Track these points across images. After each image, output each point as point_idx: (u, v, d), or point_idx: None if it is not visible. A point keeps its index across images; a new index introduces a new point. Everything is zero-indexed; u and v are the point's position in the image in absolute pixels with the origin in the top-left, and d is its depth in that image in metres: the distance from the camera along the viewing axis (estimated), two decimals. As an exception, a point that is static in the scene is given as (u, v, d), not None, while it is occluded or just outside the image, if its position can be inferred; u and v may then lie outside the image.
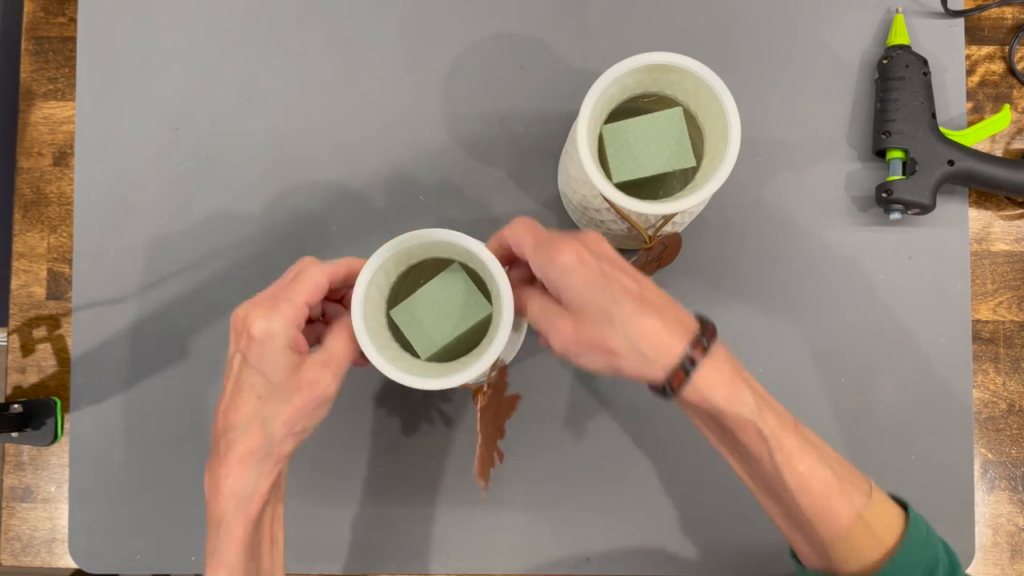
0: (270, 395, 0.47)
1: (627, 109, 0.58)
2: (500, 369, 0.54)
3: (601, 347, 0.45)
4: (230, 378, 0.49)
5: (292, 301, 0.48)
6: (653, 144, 0.56)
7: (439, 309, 0.56)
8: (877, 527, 0.47)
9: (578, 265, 0.46)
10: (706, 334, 0.46)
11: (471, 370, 0.50)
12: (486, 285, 0.56)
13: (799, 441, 0.47)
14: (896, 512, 0.48)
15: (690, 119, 0.57)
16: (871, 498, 0.48)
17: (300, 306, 0.48)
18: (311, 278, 0.49)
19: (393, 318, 0.56)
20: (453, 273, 0.57)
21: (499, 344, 0.51)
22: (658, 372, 0.45)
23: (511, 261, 0.53)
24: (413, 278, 0.59)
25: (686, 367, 0.45)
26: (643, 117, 0.57)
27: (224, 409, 0.49)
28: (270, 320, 0.47)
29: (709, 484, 0.65)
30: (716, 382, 0.45)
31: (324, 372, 0.48)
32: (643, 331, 0.45)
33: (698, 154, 0.57)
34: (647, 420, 0.66)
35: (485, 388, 0.53)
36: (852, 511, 0.47)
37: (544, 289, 0.49)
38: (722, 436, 0.49)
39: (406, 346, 0.57)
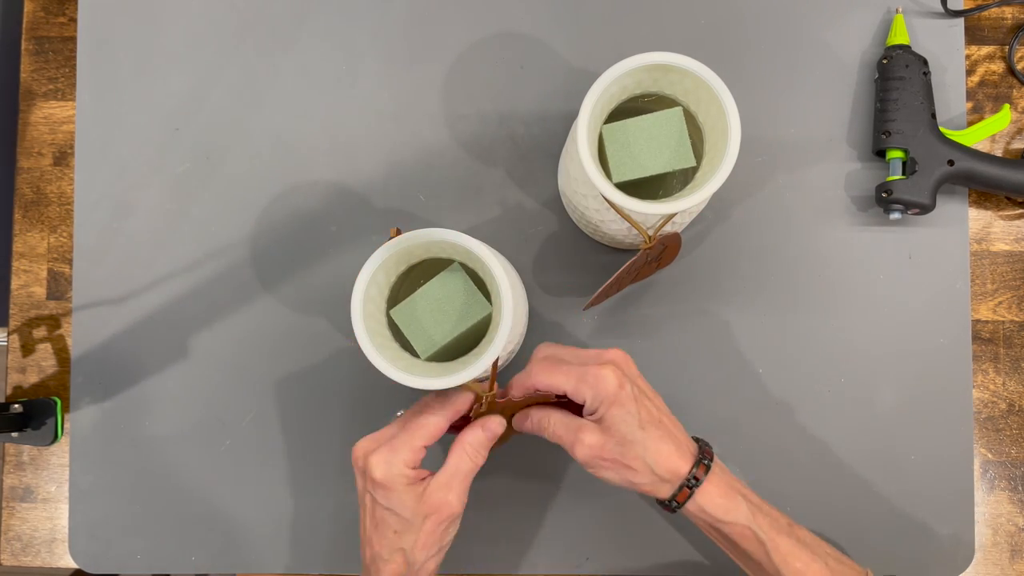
0: (404, 528, 0.51)
1: (627, 109, 0.58)
2: (493, 366, 0.54)
3: (622, 464, 0.52)
4: (366, 514, 0.53)
5: (412, 445, 0.52)
6: (653, 144, 0.56)
7: (439, 308, 0.56)
8: None
9: (618, 391, 0.52)
10: (705, 456, 0.53)
11: (471, 369, 0.50)
12: (486, 285, 0.56)
13: (793, 541, 0.53)
14: None
15: (690, 119, 0.57)
16: None
17: (418, 449, 0.52)
18: (432, 424, 0.52)
19: (393, 318, 0.57)
20: (453, 273, 0.57)
21: (499, 343, 0.51)
22: (667, 490, 0.52)
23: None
24: (414, 278, 0.59)
25: (690, 485, 0.52)
26: (643, 117, 0.57)
27: (368, 540, 0.53)
28: (391, 465, 0.51)
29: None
30: (714, 496, 0.52)
31: (448, 494, 0.51)
32: (660, 454, 0.52)
33: (698, 154, 0.57)
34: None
35: (484, 398, 0.54)
36: None
37: (555, 406, 0.55)
38: (724, 542, 0.55)
39: (406, 346, 0.57)
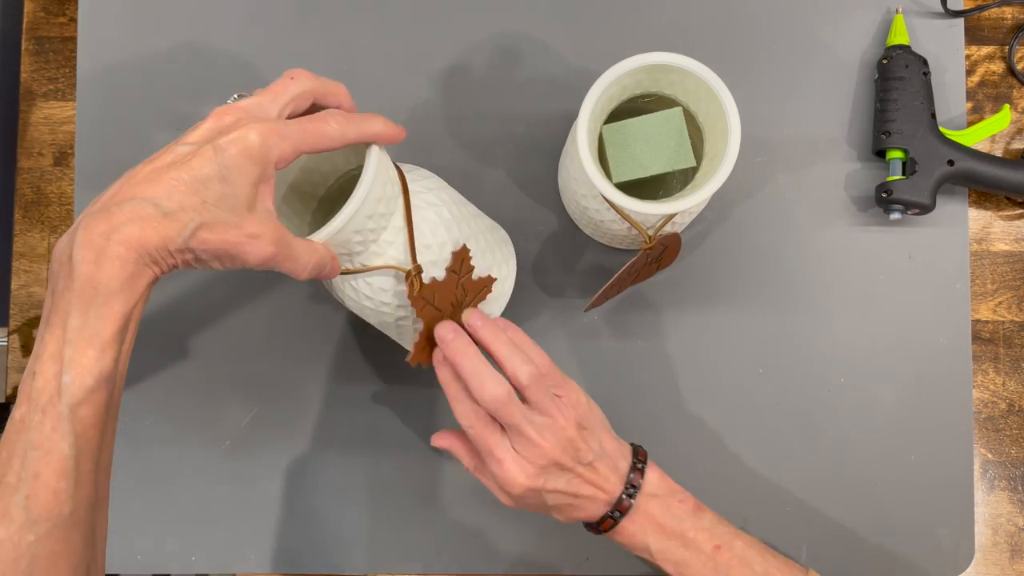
0: (216, 205, 0.43)
1: (627, 109, 0.58)
2: (456, 253, 0.53)
3: (545, 508, 0.53)
4: (182, 152, 0.44)
5: (294, 145, 0.45)
6: (653, 144, 0.57)
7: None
8: None
9: (525, 496, 0.51)
10: (620, 505, 0.53)
11: (322, 230, 0.48)
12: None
13: (705, 572, 0.53)
14: None
15: (690, 119, 0.57)
16: None
17: (296, 154, 0.45)
18: (332, 135, 0.46)
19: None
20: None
21: (351, 205, 0.48)
22: (590, 518, 0.54)
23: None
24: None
25: (599, 531, 0.54)
26: (643, 117, 0.57)
27: (145, 174, 0.43)
28: (274, 148, 0.44)
29: (708, 484, 0.65)
30: (628, 532, 0.53)
31: (267, 235, 0.44)
32: (572, 517, 0.54)
33: (698, 154, 0.57)
34: (646, 420, 0.66)
35: (414, 271, 0.51)
36: None
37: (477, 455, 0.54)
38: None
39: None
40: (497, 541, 0.66)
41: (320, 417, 0.67)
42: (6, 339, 0.70)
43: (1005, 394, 0.66)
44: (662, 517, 0.53)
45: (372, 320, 0.56)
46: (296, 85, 0.48)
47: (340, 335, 0.67)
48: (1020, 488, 0.66)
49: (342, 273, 0.52)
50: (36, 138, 0.70)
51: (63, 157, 0.70)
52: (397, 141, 0.50)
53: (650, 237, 0.56)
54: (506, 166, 0.67)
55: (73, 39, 0.70)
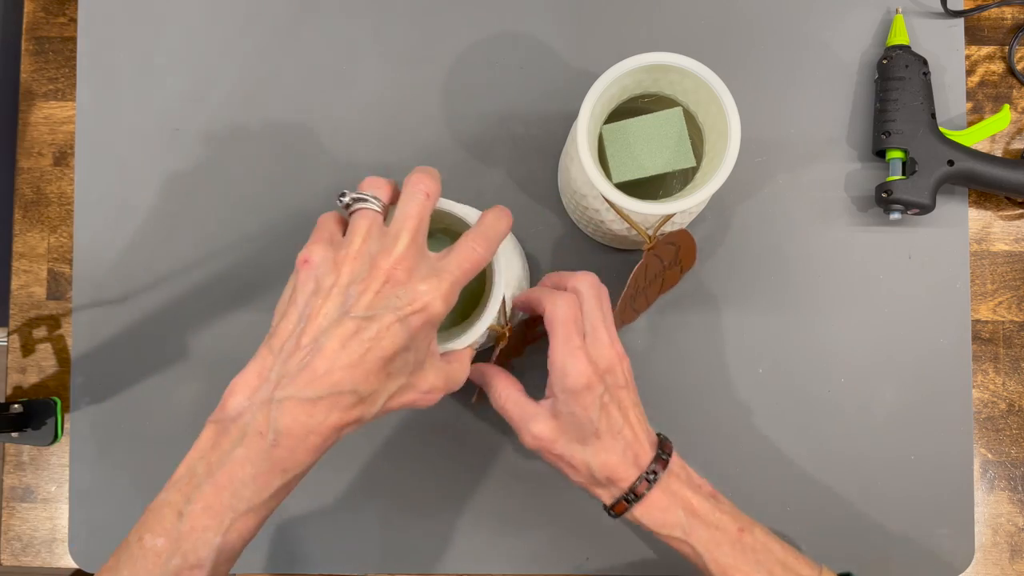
0: (396, 376, 0.45)
1: (627, 109, 0.58)
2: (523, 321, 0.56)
3: (566, 461, 0.51)
4: (360, 326, 0.43)
5: (456, 288, 0.46)
6: (653, 144, 0.57)
7: None
8: None
9: (585, 391, 0.50)
10: (655, 469, 0.51)
11: (468, 336, 0.51)
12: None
13: (736, 551, 0.51)
14: None
15: (690, 119, 0.57)
16: None
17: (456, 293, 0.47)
18: (476, 264, 0.47)
19: None
20: (438, 243, 0.57)
21: (498, 295, 0.51)
22: (605, 497, 0.52)
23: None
24: None
25: (628, 499, 0.51)
26: (643, 117, 0.57)
27: (346, 359, 0.43)
28: (446, 305, 0.45)
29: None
30: (652, 509, 0.51)
31: (439, 385, 0.48)
32: (603, 462, 0.51)
33: (698, 154, 0.57)
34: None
35: (507, 325, 0.54)
36: None
37: (515, 381, 0.54)
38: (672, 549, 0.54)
39: None
40: (497, 541, 0.66)
41: (320, 417, 0.67)
42: (6, 339, 0.70)
43: (1005, 394, 0.66)
44: (690, 494, 0.52)
45: None
46: (430, 204, 0.48)
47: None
48: (1020, 488, 0.66)
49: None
50: (36, 138, 0.70)
51: (63, 157, 0.70)
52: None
53: (650, 237, 0.56)
54: (506, 166, 0.67)
55: (73, 39, 0.70)
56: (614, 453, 0.51)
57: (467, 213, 0.52)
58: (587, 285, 0.52)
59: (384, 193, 0.48)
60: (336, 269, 0.45)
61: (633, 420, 0.52)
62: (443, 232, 0.60)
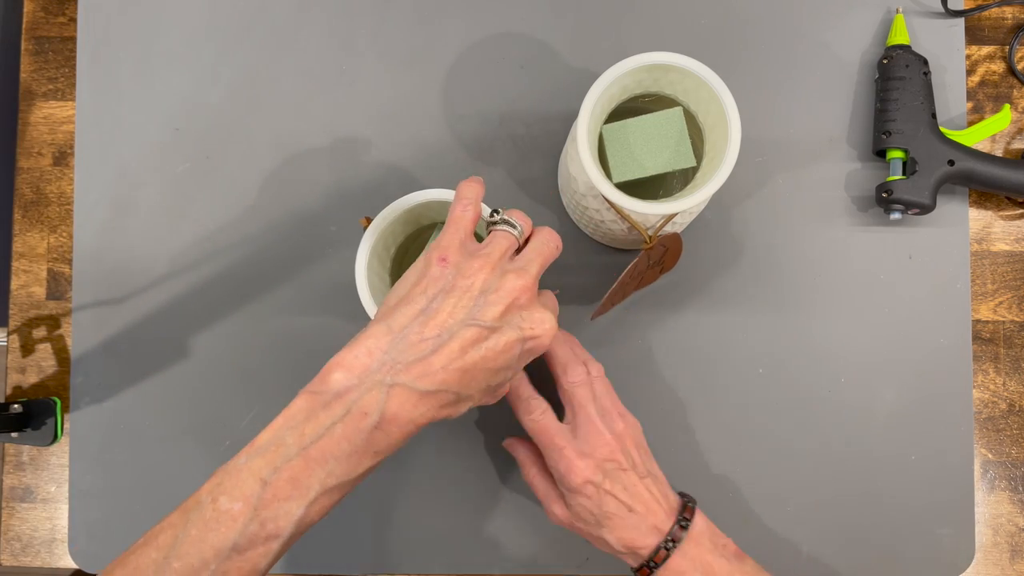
0: (501, 380, 0.48)
1: (627, 109, 0.58)
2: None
3: (586, 536, 0.55)
4: (489, 341, 0.45)
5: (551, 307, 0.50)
6: (653, 144, 0.56)
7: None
8: None
9: (582, 488, 0.53)
10: (674, 537, 0.53)
11: None
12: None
13: None
14: None
15: (690, 119, 0.57)
16: None
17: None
18: (555, 302, 0.52)
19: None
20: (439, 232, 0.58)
21: None
22: (631, 562, 0.54)
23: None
24: (413, 254, 0.60)
25: (650, 567, 0.53)
26: (643, 117, 0.57)
27: (461, 362, 0.44)
28: (551, 334, 0.48)
29: (709, 484, 0.65)
30: (674, 571, 0.53)
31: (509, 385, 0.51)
32: (619, 538, 0.53)
33: (698, 154, 0.57)
34: (646, 420, 0.66)
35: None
36: None
37: (539, 457, 0.58)
38: None
39: None
40: (497, 542, 0.66)
41: (320, 417, 0.67)
42: (6, 339, 0.70)
43: (1005, 394, 0.66)
44: (711, 558, 0.53)
45: None
46: (556, 254, 0.51)
47: (340, 335, 0.67)
48: (1020, 488, 0.66)
49: None
50: (36, 138, 0.70)
51: (63, 157, 0.70)
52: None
53: (650, 237, 0.56)
54: (506, 166, 0.67)
55: (73, 39, 0.70)
56: (629, 529, 0.53)
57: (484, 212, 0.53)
58: (598, 371, 0.57)
59: (527, 228, 0.51)
60: (472, 274, 0.46)
61: (645, 495, 0.54)
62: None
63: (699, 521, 0.54)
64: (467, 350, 0.44)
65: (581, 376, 0.55)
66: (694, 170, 0.57)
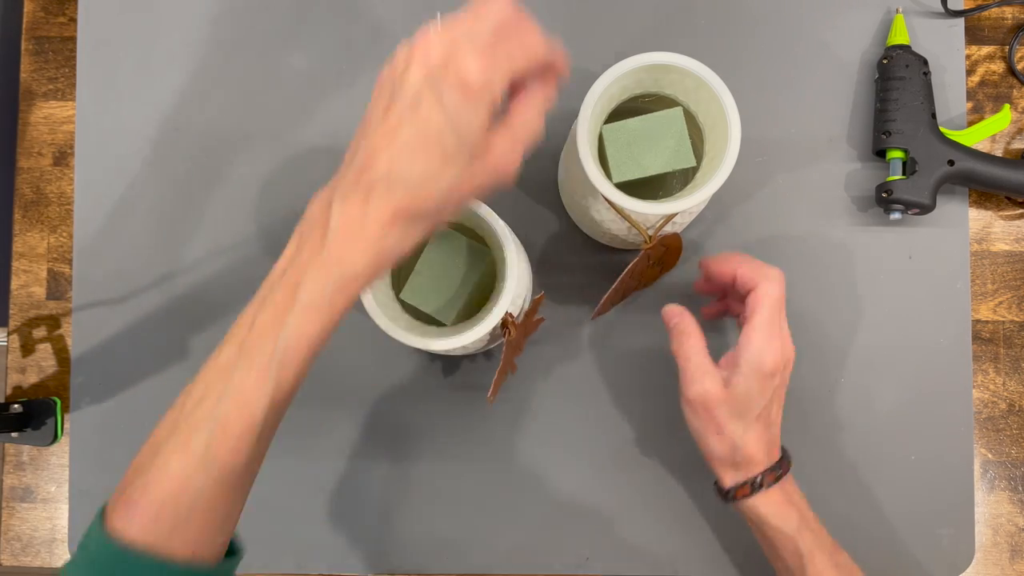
0: (454, 158, 0.40)
1: (627, 109, 0.58)
2: (535, 300, 0.56)
3: (716, 427, 0.54)
4: (403, 113, 0.40)
5: (512, 63, 0.40)
6: (653, 144, 0.56)
7: (443, 273, 0.57)
8: None
9: (770, 377, 0.52)
10: (782, 468, 0.55)
11: (479, 328, 0.51)
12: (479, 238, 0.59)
13: (831, 563, 0.54)
14: None
15: (690, 119, 0.57)
16: None
17: (515, 72, 0.40)
18: (533, 49, 0.41)
19: (406, 301, 0.57)
20: (443, 234, 0.58)
21: (510, 288, 0.52)
22: (731, 479, 0.55)
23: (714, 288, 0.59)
24: (412, 254, 0.60)
25: (754, 486, 0.54)
26: (643, 117, 0.57)
27: (383, 139, 0.40)
28: (491, 71, 0.39)
29: (709, 484, 0.65)
30: (770, 503, 0.54)
31: (515, 150, 0.41)
32: (748, 445, 0.53)
33: (698, 154, 0.57)
34: (647, 423, 0.66)
35: (518, 320, 0.54)
36: None
37: (702, 335, 0.55)
38: (767, 545, 0.57)
39: (430, 320, 0.58)
40: (497, 541, 0.66)
41: (320, 418, 0.67)
42: (6, 339, 0.70)
43: (1005, 394, 0.66)
44: (800, 500, 0.55)
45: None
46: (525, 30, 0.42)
47: (340, 335, 0.67)
48: (1020, 488, 0.66)
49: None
50: (36, 138, 0.70)
51: (63, 157, 0.70)
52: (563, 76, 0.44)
53: (650, 237, 0.56)
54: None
55: (73, 39, 0.70)
56: (760, 440, 0.53)
57: (482, 209, 0.53)
58: (783, 278, 0.54)
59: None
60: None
61: (779, 420, 0.55)
62: (451, 225, 0.60)
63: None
64: (389, 123, 0.40)
65: (776, 287, 0.53)
66: (694, 170, 0.57)
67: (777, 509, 0.54)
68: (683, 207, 0.52)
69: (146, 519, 0.40)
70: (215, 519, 0.42)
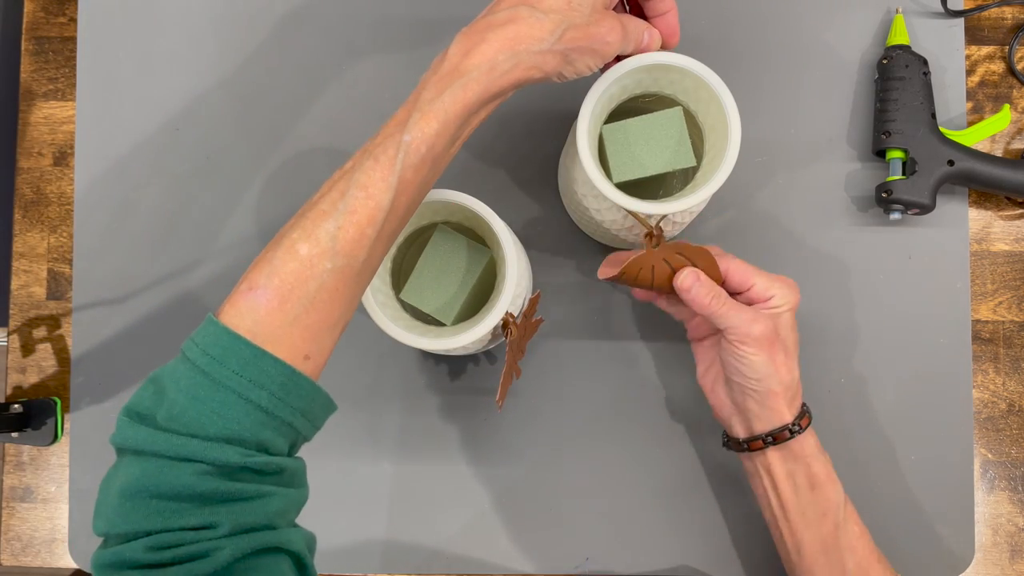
0: (576, 10, 0.46)
1: (627, 109, 0.58)
2: (532, 300, 0.56)
3: (783, 360, 0.55)
4: None
5: None
6: (653, 144, 0.56)
7: (443, 272, 0.57)
8: None
9: (793, 313, 0.56)
10: (800, 422, 0.56)
11: (481, 326, 0.52)
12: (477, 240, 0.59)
13: (842, 516, 0.56)
14: None
15: (690, 119, 0.57)
16: None
17: None
18: None
19: (406, 301, 0.57)
20: (443, 233, 0.58)
21: (510, 288, 0.52)
22: (792, 411, 0.56)
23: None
24: (413, 255, 0.60)
25: (792, 430, 0.55)
26: (643, 117, 0.57)
27: None
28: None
29: (711, 484, 0.65)
30: (812, 440, 0.56)
31: (618, 31, 0.48)
32: (798, 375, 0.56)
33: (698, 154, 0.57)
34: (647, 422, 0.66)
35: (518, 320, 0.54)
36: None
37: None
38: (799, 487, 0.56)
39: (429, 320, 0.58)
40: (497, 541, 0.66)
41: (320, 417, 0.67)
42: (6, 339, 0.70)
43: (1005, 394, 0.66)
44: (818, 451, 0.57)
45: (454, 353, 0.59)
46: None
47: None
48: (1020, 488, 0.66)
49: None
50: (36, 138, 0.70)
51: (63, 157, 0.70)
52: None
53: (652, 227, 0.55)
54: (506, 166, 0.67)
55: (73, 39, 0.70)
56: (782, 409, 0.55)
57: (481, 209, 0.53)
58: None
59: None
60: None
61: (796, 361, 0.57)
62: (450, 225, 0.60)
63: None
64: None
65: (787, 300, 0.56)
66: (694, 170, 0.57)
67: (818, 446, 0.56)
68: (683, 207, 0.52)
69: (275, 301, 0.41)
70: (332, 314, 0.43)
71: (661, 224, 0.56)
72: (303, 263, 0.42)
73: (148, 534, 0.38)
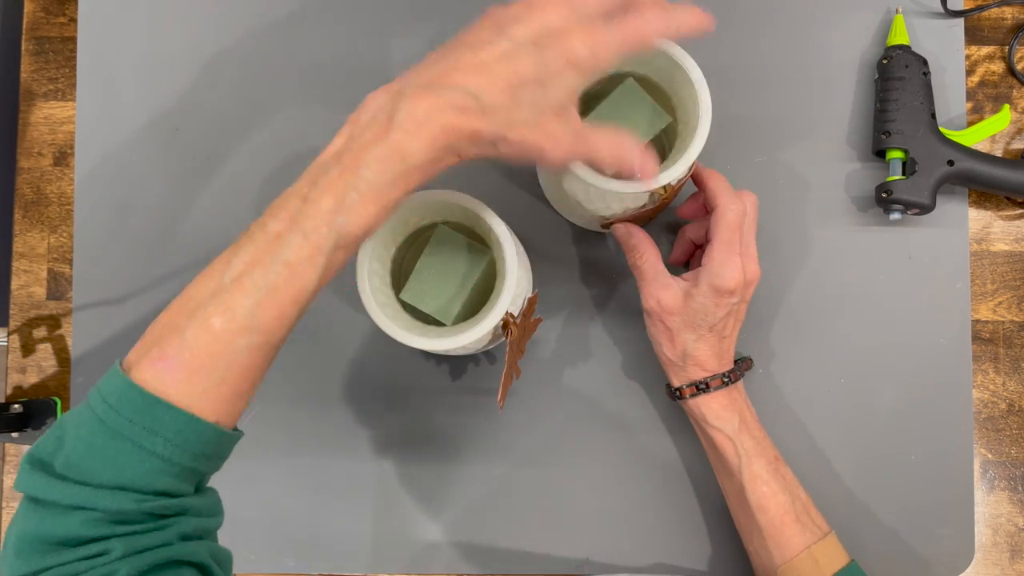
0: (529, 107, 0.43)
1: (587, 98, 0.59)
2: (530, 299, 0.56)
3: (670, 335, 0.58)
4: (506, 49, 0.43)
5: (615, 53, 0.44)
6: (626, 119, 0.57)
7: (444, 273, 0.57)
8: (823, 562, 0.56)
9: (728, 295, 0.55)
10: (731, 376, 0.58)
11: (481, 326, 0.51)
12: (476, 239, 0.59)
13: (770, 469, 0.57)
14: (844, 558, 0.57)
15: (657, 90, 0.57)
16: (824, 540, 0.57)
17: (615, 61, 0.44)
18: (643, 40, 0.45)
19: (406, 301, 0.57)
20: (443, 234, 0.58)
21: (510, 287, 0.52)
22: (677, 379, 0.59)
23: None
24: (412, 255, 0.60)
25: (700, 387, 0.58)
26: (606, 100, 0.57)
27: (472, 64, 0.43)
28: (600, 60, 0.43)
29: (710, 484, 0.65)
30: (713, 403, 0.58)
31: (563, 146, 0.45)
32: (699, 350, 0.57)
33: (669, 110, 0.58)
34: (647, 423, 0.66)
35: (517, 320, 0.54)
36: (803, 542, 0.56)
37: (657, 249, 0.58)
38: (710, 447, 0.60)
39: (428, 320, 0.58)
40: (497, 542, 0.66)
41: (320, 417, 0.67)
42: (6, 339, 0.70)
43: (1005, 394, 0.66)
44: (745, 409, 0.59)
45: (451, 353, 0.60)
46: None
47: (341, 335, 0.67)
48: (1020, 488, 0.66)
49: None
50: (36, 138, 0.70)
51: (63, 157, 0.70)
52: (705, 31, 0.47)
53: (665, 189, 0.55)
54: (506, 166, 0.67)
55: (73, 39, 0.70)
56: (711, 350, 0.57)
57: (481, 209, 0.53)
58: (753, 202, 0.57)
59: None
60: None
61: (735, 334, 0.59)
62: (450, 225, 0.59)
63: (742, 383, 0.60)
64: (482, 56, 0.43)
65: (735, 209, 0.55)
66: (679, 140, 0.57)
67: (720, 411, 0.58)
68: (674, 176, 0.53)
69: (183, 375, 0.40)
70: (244, 385, 0.42)
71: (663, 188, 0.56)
72: (216, 338, 0.40)
73: (46, 570, 0.38)
